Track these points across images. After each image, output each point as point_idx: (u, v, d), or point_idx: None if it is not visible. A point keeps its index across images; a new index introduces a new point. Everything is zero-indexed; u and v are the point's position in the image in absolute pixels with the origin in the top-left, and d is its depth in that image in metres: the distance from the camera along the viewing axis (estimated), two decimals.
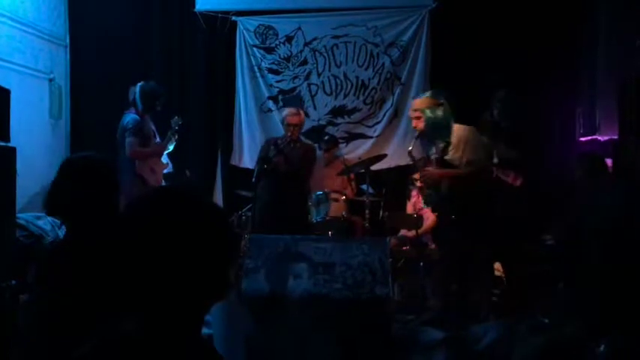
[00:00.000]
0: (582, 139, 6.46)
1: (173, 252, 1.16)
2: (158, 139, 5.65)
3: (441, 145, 4.69)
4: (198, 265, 1.17)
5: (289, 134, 5.36)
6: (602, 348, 0.93)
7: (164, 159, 5.70)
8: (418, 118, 4.72)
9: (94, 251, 1.84)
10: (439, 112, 4.64)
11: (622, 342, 0.94)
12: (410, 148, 4.84)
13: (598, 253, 0.97)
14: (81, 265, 2.01)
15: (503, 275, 5.60)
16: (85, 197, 2.14)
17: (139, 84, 5.41)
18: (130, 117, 5.30)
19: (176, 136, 5.61)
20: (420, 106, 4.76)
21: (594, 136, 6.19)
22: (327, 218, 5.66)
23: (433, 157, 4.77)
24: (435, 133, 4.68)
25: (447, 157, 4.68)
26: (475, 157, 4.63)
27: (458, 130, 4.69)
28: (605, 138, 6.02)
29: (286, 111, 5.60)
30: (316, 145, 6.33)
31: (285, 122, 5.43)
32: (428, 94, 4.92)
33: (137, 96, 5.36)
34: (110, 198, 2.18)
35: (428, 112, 4.63)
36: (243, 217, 6.15)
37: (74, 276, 2.02)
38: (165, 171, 5.65)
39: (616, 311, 0.94)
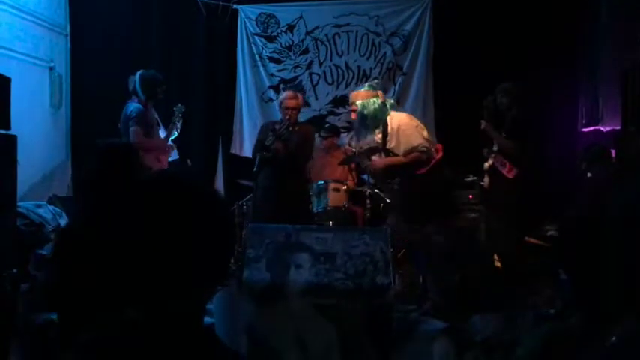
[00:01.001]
0: (584, 129, 6.44)
1: (173, 238, 1.15)
2: (162, 128, 5.64)
3: (379, 135, 4.78)
4: (199, 251, 1.17)
5: (287, 118, 5.23)
6: (613, 339, 0.92)
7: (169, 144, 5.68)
8: (354, 110, 4.81)
9: (96, 236, 1.85)
10: (371, 104, 4.72)
11: (634, 333, 0.93)
12: (349, 140, 4.94)
13: (608, 244, 0.96)
14: (85, 249, 2.03)
15: (501, 266, 5.62)
16: (117, 180, 2.19)
17: (139, 72, 5.38)
18: (133, 106, 5.27)
19: (179, 124, 5.61)
20: (354, 98, 4.85)
21: (597, 127, 6.17)
22: (328, 208, 5.65)
23: (371, 146, 4.87)
24: (365, 124, 4.77)
25: (388, 147, 4.75)
26: (413, 143, 4.68)
27: (392, 120, 4.76)
28: (608, 129, 6.00)
29: (284, 94, 5.45)
30: (317, 134, 6.31)
31: (282, 105, 5.30)
32: (365, 86, 4.98)
33: (137, 85, 5.33)
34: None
35: (360, 104, 4.73)
36: (244, 207, 6.14)
37: (78, 260, 2.03)
38: (170, 159, 5.63)
39: (627, 302, 0.93)
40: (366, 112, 4.71)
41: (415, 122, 4.85)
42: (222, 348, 1.21)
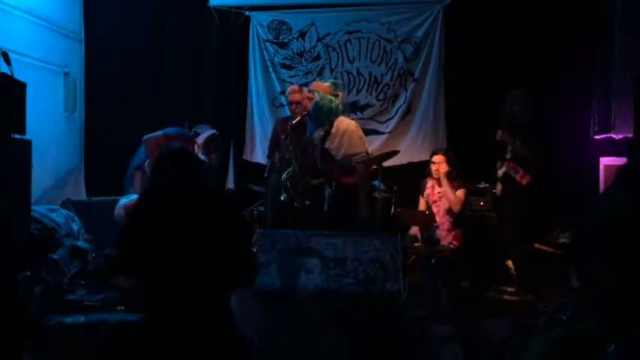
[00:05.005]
0: (597, 137, 6.41)
1: (205, 236, 1.17)
2: None
3: (322, 132, 4.81)
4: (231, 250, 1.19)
5: (292, 113, 5.39)
6: (611, 348, 0.92)
7: None
8: (310, 98, 4.86)
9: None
10: (328, 101, 4.75)
11: (632, 344, 0.93)
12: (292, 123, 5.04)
13: (602, 252, 0.96)
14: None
15: (514, 273, 5.60)
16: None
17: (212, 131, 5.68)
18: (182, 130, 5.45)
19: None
20: (316, 88, 4.89)
21: (609, 134, 6.14)
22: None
23: (315, 142, 4.92)
24: (316, 117, 4.80)
25: (325, 146, 4.79)
26: (355, 150, 4.72)
27: (340, 123, 4.79)
28: (620, 136, 5.97)
29: (288, 89, 5.62)
30: None
31: (287, 100, 5.47)
32: (330, 82, 5.03)
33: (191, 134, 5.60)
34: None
35: (319, 96, 4.76)
36: (255, 212, 6.16)
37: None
38: None
39: (625, 313, 0.93)
40: (322, 106, 4.74)
41: (361, 132, 4.91)
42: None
